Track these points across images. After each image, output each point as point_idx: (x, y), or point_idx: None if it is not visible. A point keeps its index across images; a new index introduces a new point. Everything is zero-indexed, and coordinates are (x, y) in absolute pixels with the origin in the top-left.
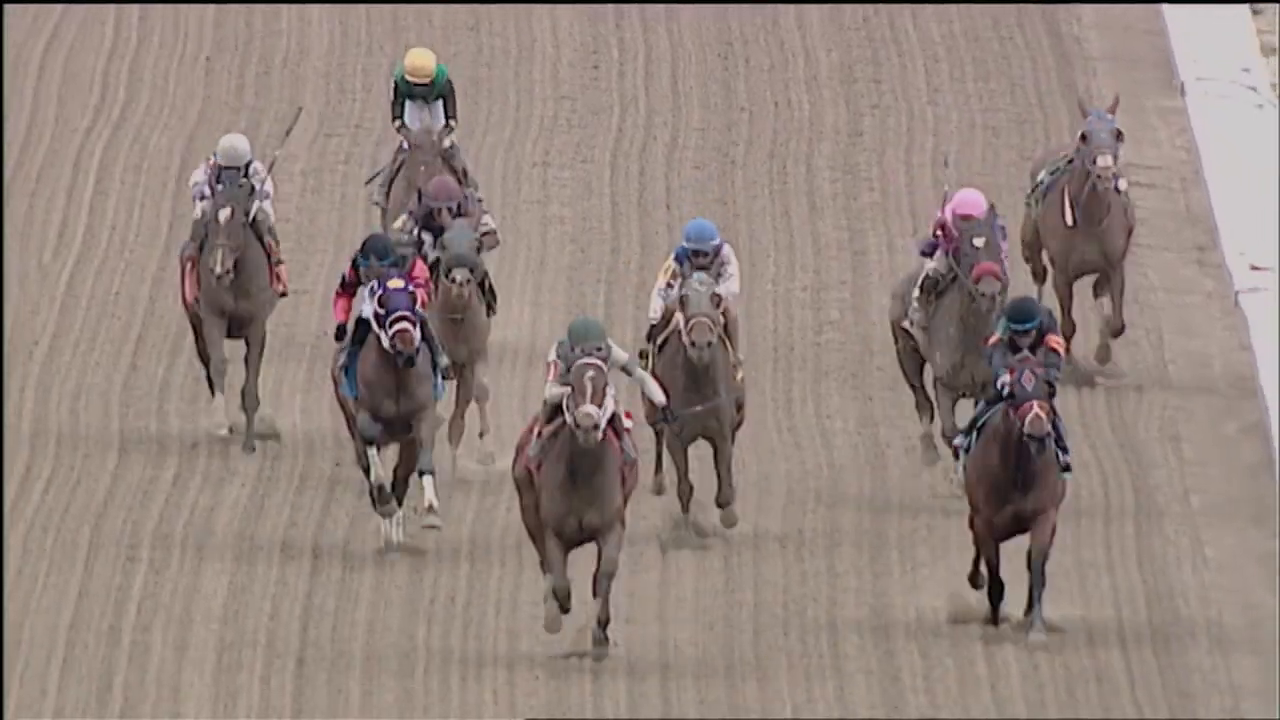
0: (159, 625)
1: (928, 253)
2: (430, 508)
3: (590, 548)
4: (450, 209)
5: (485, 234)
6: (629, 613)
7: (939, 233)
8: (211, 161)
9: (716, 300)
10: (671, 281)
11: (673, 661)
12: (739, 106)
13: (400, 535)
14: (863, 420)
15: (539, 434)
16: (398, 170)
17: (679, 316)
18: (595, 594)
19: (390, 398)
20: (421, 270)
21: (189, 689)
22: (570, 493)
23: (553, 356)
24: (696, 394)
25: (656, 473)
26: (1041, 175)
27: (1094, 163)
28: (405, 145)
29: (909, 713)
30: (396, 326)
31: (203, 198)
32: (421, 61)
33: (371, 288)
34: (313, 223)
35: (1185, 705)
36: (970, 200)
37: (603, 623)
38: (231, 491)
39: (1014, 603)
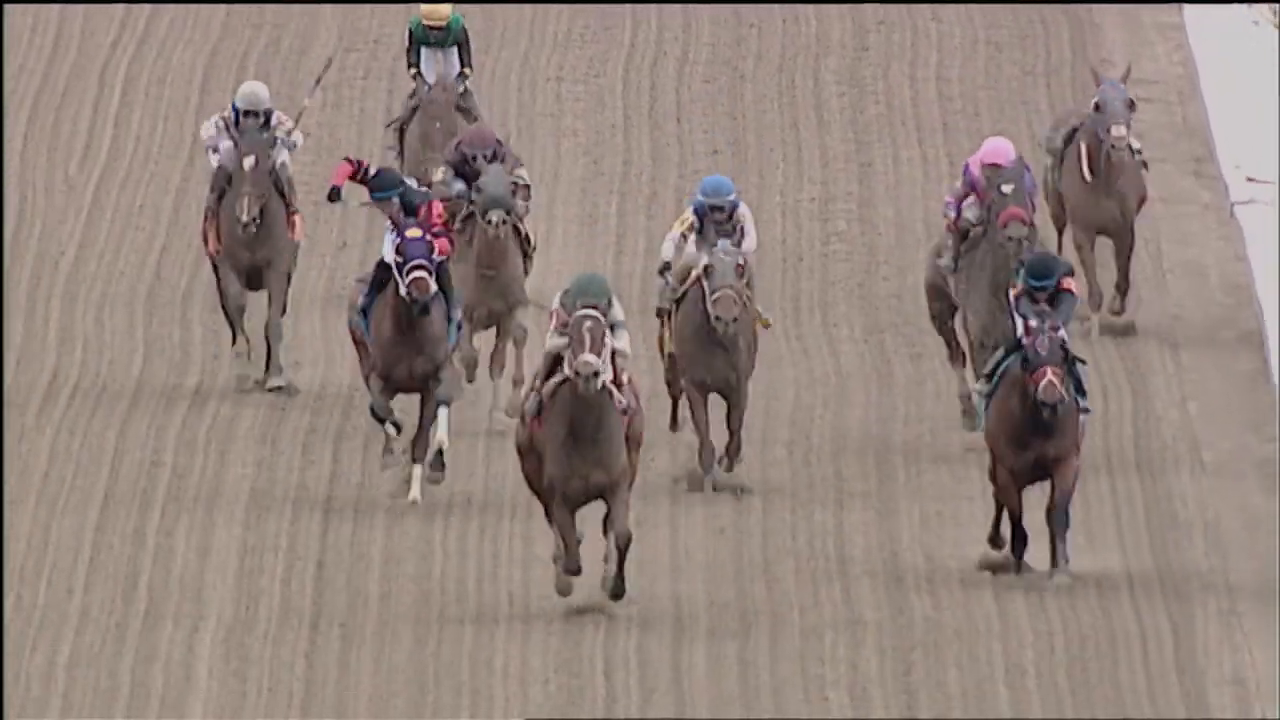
0: (182, 529)
1: (954, 212)
2: (439, 452)
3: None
4: (485, 155)
5: (523, 186)
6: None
7: (971, 188)
8: (226, 113)
9: (741, 271)
10: (686, 233)
11: (683, 565)
12: (748, 23)
13: (418, 493)
14: (868, 328)
15: (538, 390)
16: (411, 118)
17: (704, 282)
18: (606, 559)
19: (404, 360)
20: (438, 210)
21: (211, 590)
22: (573, 451)
23: (555, 304)
24: (713, 353)
25: (672, 427)
26: (1058, 138)
27: (1108, 132)
28: (420, 94)
29: (912, 612)
30: (413, 275)
31: (215, 150)
32: (436, 8)
33: (391, 237)
34: (332, 136)
35: (1183, 607)
36: (999, 149)
37: (616, 595)
38: (253, 396)
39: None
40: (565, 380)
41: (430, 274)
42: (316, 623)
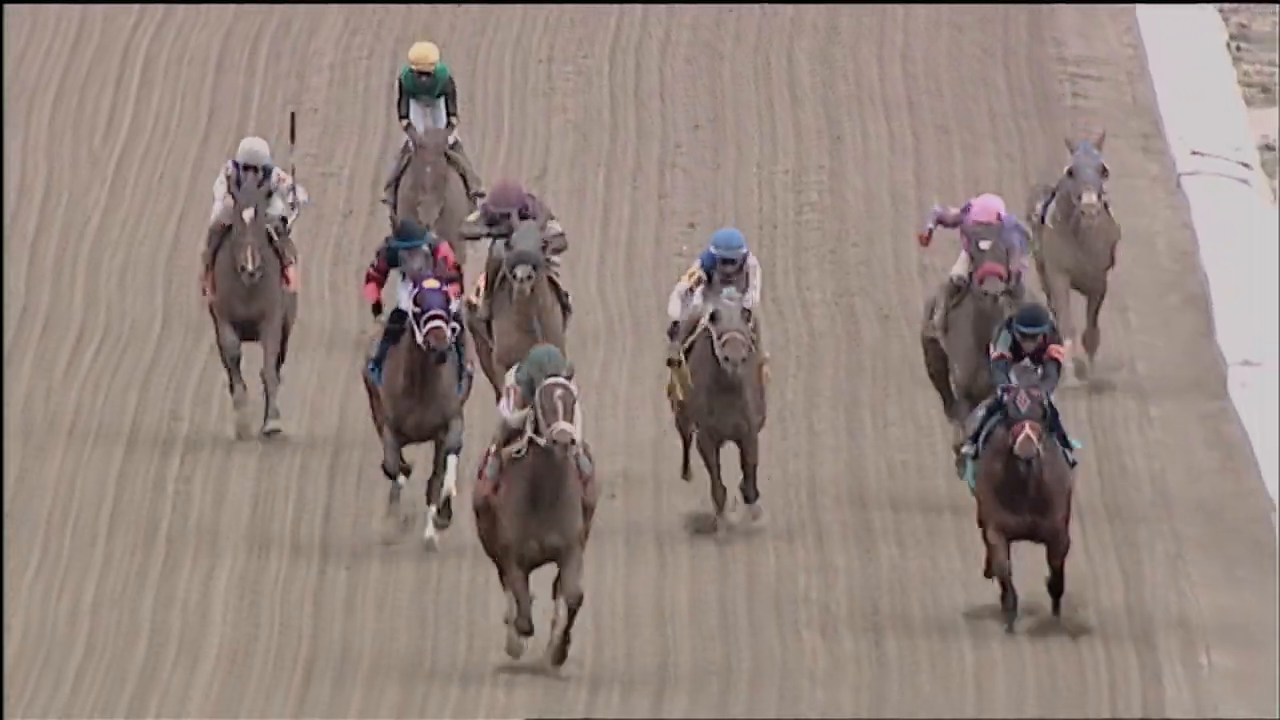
0: (199, 476)
1: (940, 222)
2: (446, 500)
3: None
4: (516, 213)
5: (554, 236)
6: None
7: (963, 239)
8: (229, 169)
9: (747, 315)
10: (694, 286)
11: (666, 529)
12: (727, 7)
13: (433, 532)
14: (839, 291)
15: (496, 455)
16: (404, 169)
17: (711, 329)
18: (554, 623)
19: (415, 412)
20: (447, 252)
21: (226, 534)
22: (531, 515)
23: (511, 381)
24: (723, 398)
25: (684, 475)
26: (1037, 205)
27: (1079, 199)
28: (411, 144)
29: (880, 558)
30: (431, 324)
31: (224, 208)
32: (424, 52)
33: (408, 288)
34: (339, 112)
35: (1132, 553)
36: (989, 207)
37: (560, 660)
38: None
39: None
40: (527, 445)
41: (447, 324)
42: (324, 566)
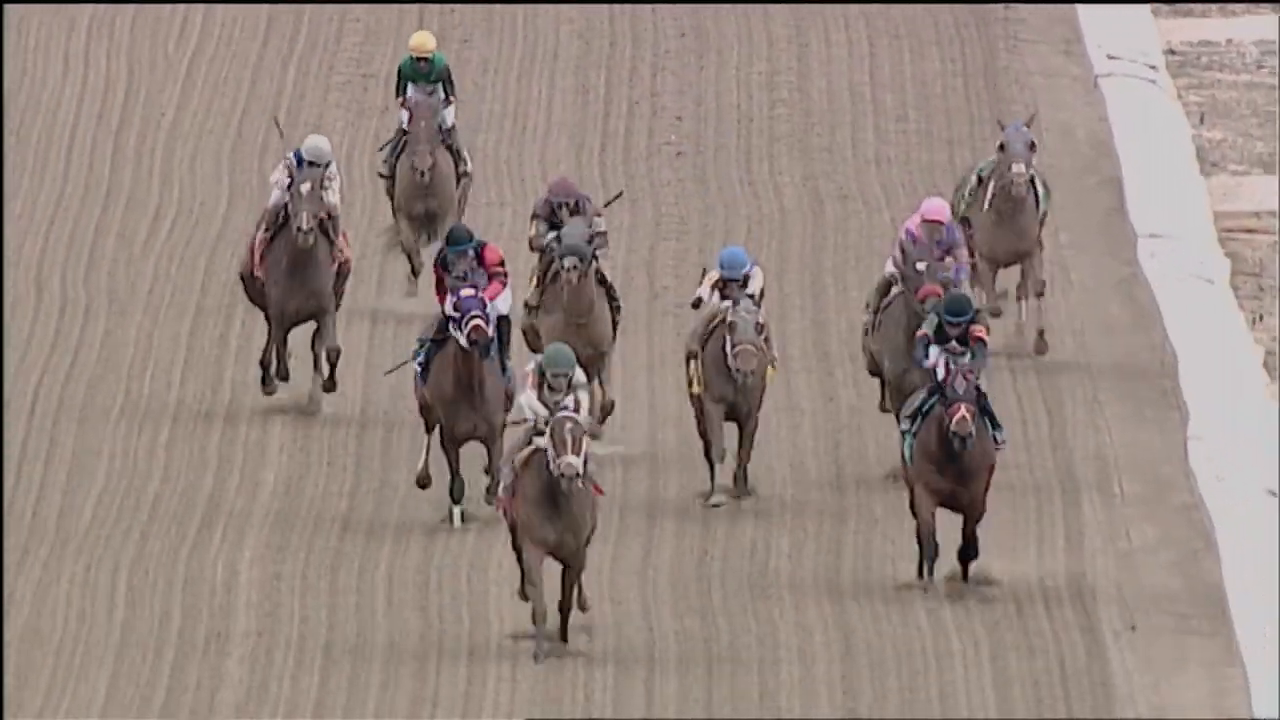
0: (258, 339)
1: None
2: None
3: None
4: (570, 205)
5: (596, 234)
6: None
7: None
8: (288, 161)
9: (760, 328)
10: (714, 286)
11: (661, 452)
12: None
13: (459, 522)
14: (805, 175)
15: (513, 465)
16: (401, 149)
17: (727, 336)
18: (562, 609)
19: (466, 417)
20: (493, 254)
21: (272, 456)
22: (547, 507)
23: (531, 367)
24: (730, 388)
25: (708, 455)
26: (971, 177)
27: (1009, 169)
28: (408, 124)
29: (839, 400)
30: (472, 322)
31: (279, 188)
32: (423, 40)
33: (450, 298)
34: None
35: (1055, 396)
36: (936, 208)
37: (567, 610)
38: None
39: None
40: (536, 451)
41: (486, 322)
42: (346, 526)
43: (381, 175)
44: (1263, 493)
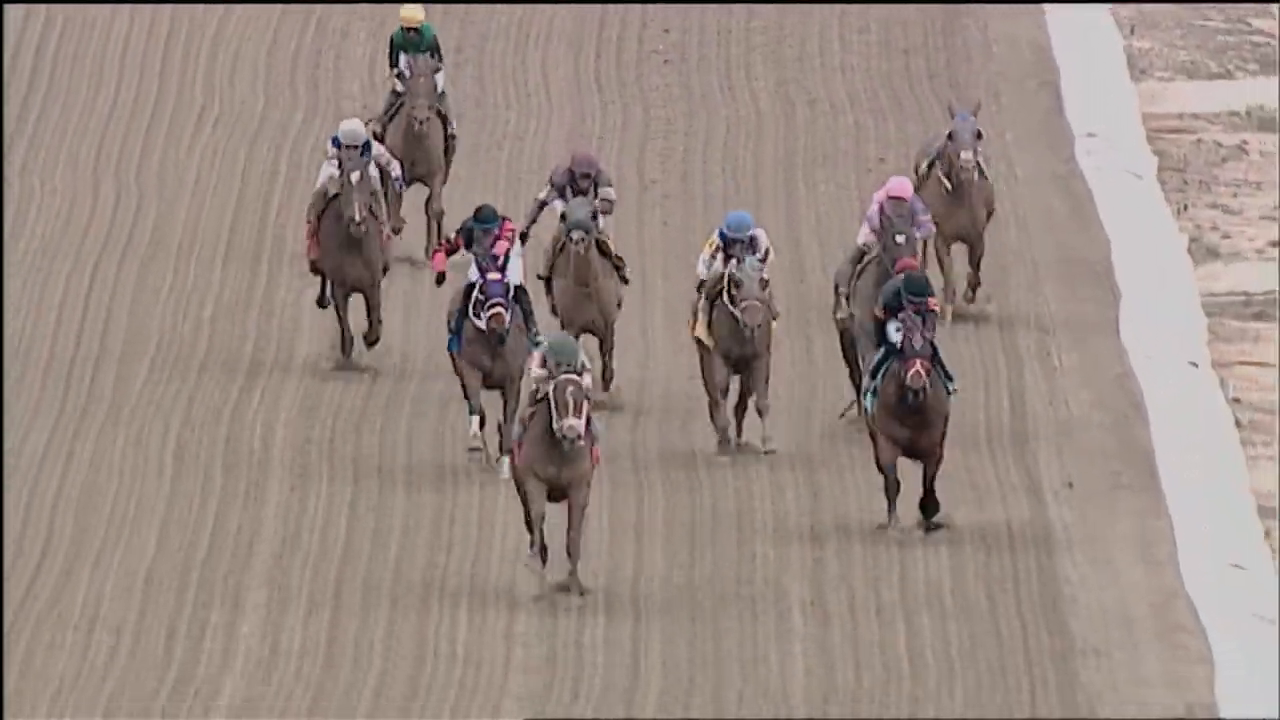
0: (297, 213)
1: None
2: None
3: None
4: (590, 174)
5: (603, 200)
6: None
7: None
8: (330, 148)
9: (764, 284)
10: (714, 254)
11: (641, 456)
12: None
13: (477, 430)
14: (780, 80)
15: (522, 420)
16: (397, 111)
17: (733, 291)
18: (569, 553)
19: (488, 356)
20: (509, 233)
21: (304, 328)
22: (548, 448)
23: (536, 356)
24: (740, 340)
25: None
26: (922, 163)
27: (958, 156)
28: (401, 90)
29: (817, 357)
30: (492, 310)
31: (329, 176)
32: (412, 12)
33: (476, 275)
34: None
35: (1000, 275)
36: (901, 185)
37: (574, 549)
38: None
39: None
40: (542, 400)
41: (507, 310)
42: (358, 475)
43: (375, 136)
44: (1185, 364)
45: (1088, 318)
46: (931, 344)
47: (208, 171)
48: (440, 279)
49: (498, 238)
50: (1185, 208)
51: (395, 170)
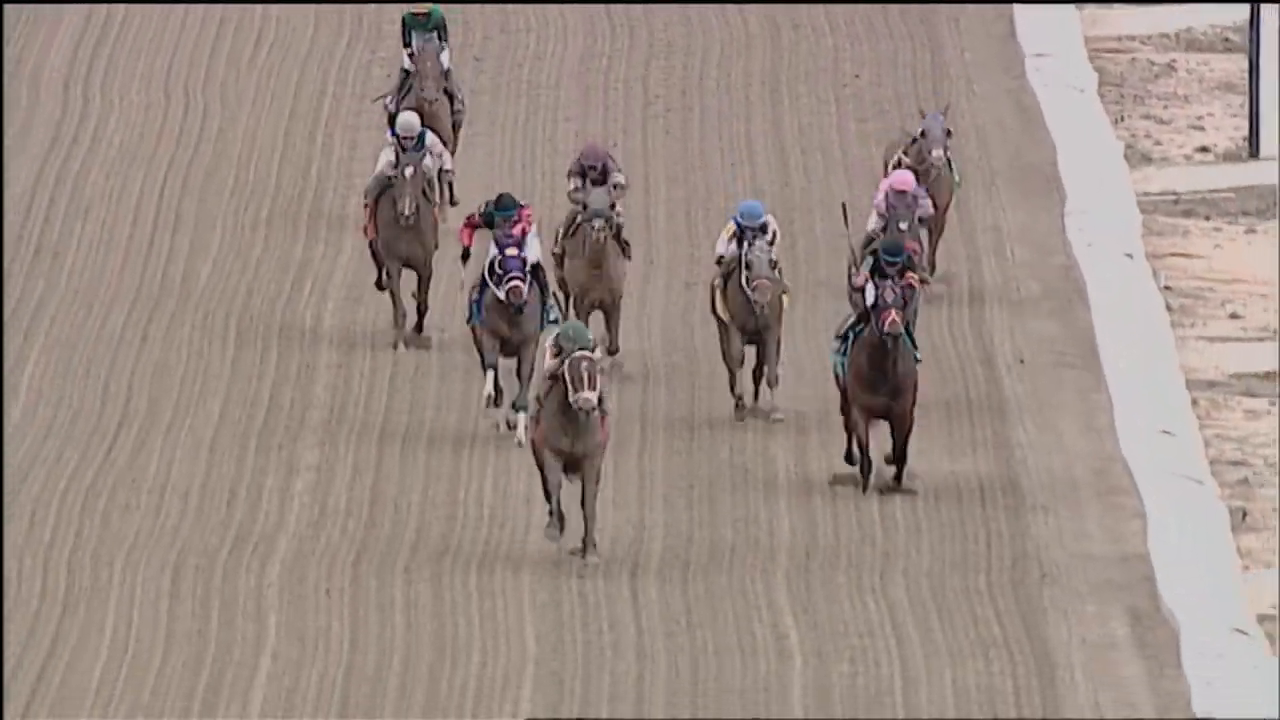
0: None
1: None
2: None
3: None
4: (599, 166)
5: (616, 185)
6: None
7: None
8: (390, 139)
9: (773, 264)
10: (731, 238)
11: (649, 417)
12: None
13: (492, 391)
14: (768, 8)
15: (538, 400)
16: (408, 90)
17: (746, 274)
18: (585, 529)
19: (506, 325)
20: (527, 217)
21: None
22: (564, 423)
23: (549, 344)
24: (751, 318)
25: (733, 392)
26: (893, 159)
27: (930, 154)
28: (410, 69)
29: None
30: (510, 284)
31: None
32: (421, 4)
33: (495, 252)
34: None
35: (963, 193)
36: (904, 179)
37: (586, 543)
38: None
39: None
40: (557, 380)
41: (524, 283)
42: (382, 434)
43: (387, 108)
44: (1122, 256)
45: (1037, 216)
46: (904, 297)
47: (264, 88)
48: (466, 254)
49: (516, 222)
50: (1122, 118)
51: (446, 161)
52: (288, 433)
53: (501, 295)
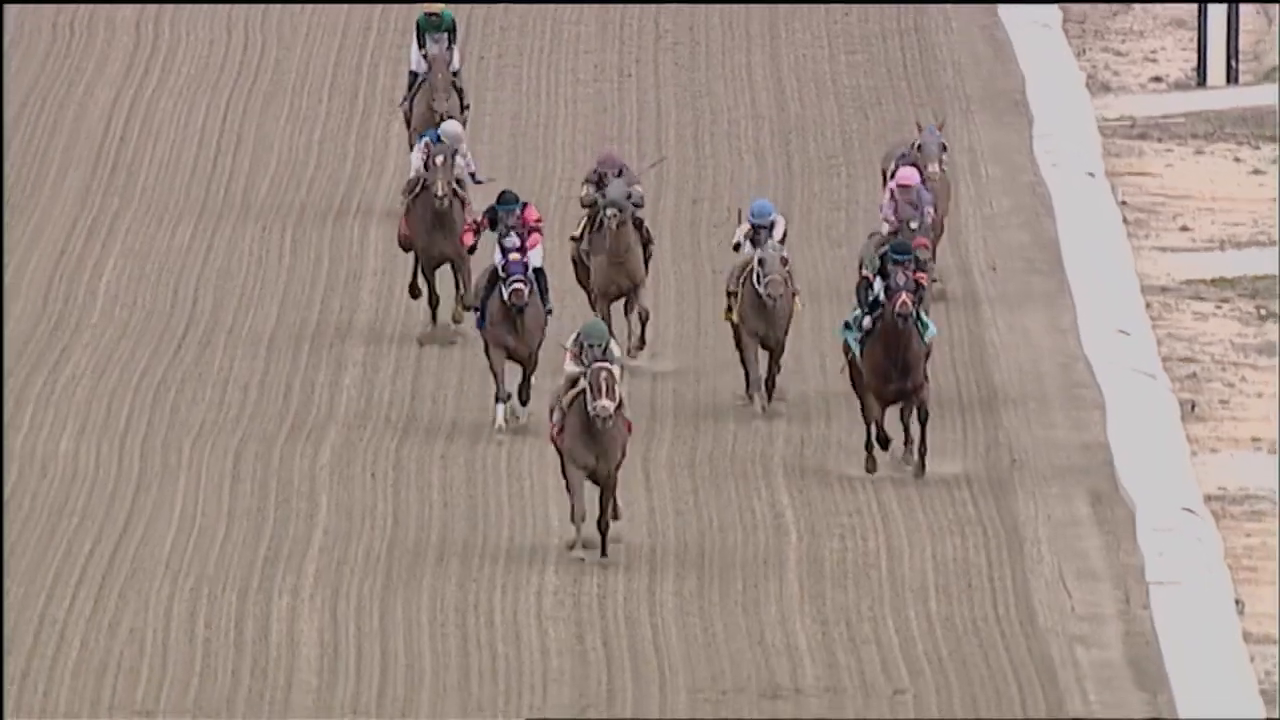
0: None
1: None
2: (525, 397)
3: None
4: (614, 172)
5: (638, 195)
6: None
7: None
8: (425, 143)
9: (784, 261)
10: (746, 236)
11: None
12: None
13: (502, 423)
14: None
15: (560, 406)
16: (419, 91)
17: (757, 269)
18: (601, 526)
19: (510, 335)
20: (532, 213)
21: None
22: (587, 439)
23: (569, 344)
24: (766, 318)
25: (747, 391)
26: (891, 167)
27: (926, 167)
28: (420, 71)
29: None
30: (513, 286)
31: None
32: (434, 5)
33: (500, 258)
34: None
35: (939, 107)
36: (909, 175)
37: (605, 527)
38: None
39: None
40: (581, 393)
41: (525, 285)
42: (406, 429)
43: (403, 110)
44: (1083, 174)
45: (1008, 138)
46: (917, 284)
47: (315, 24)
48: (471, 250)
49: (523, 219)
50: (1084, 51)
51: (474, 167)
52: (337, 333)
53: (506, 294)
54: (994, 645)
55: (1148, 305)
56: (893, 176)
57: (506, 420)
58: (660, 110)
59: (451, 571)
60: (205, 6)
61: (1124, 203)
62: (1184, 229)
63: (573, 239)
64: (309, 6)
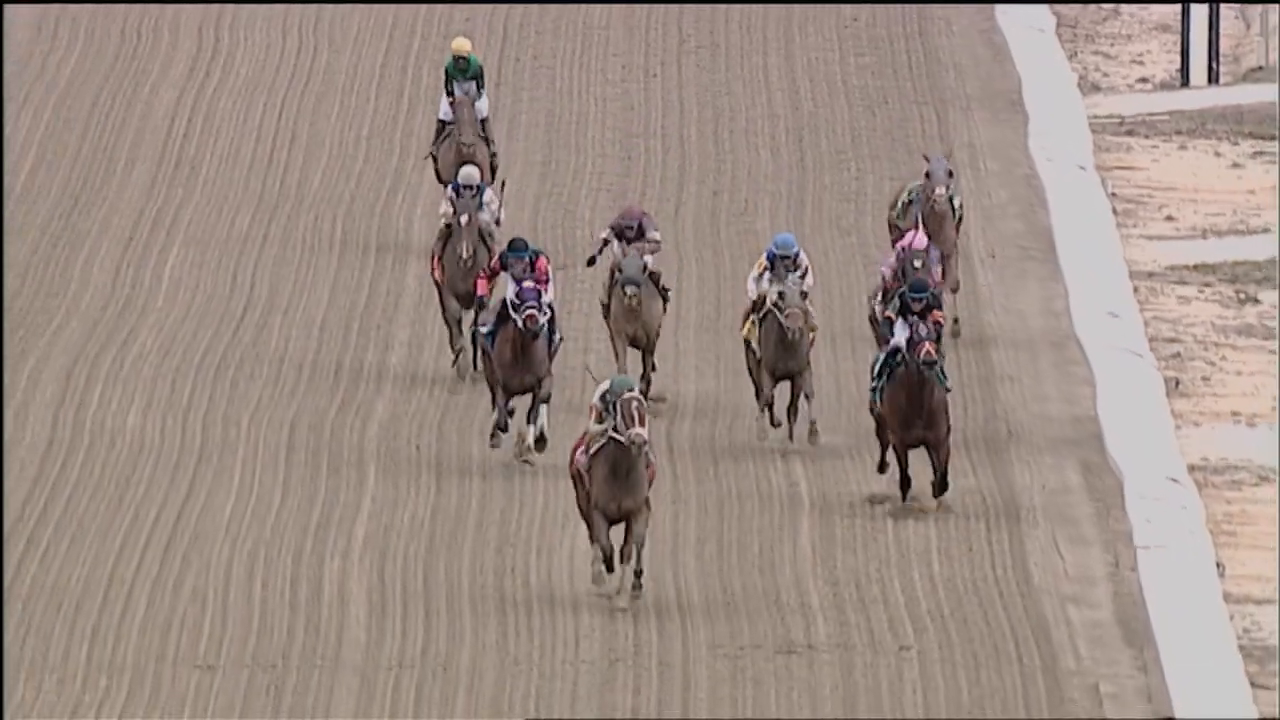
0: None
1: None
2: (536, 441)
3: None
4: (635, 226)
5: (651, 242)
6: None
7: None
8: (450, 191)
9: (804, 295)
10: (761, 274)
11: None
12: None
13: (511, 452)
14: None
15: (587, 449)
16: (446, 137)
17: (777, 302)
18: (624, 559)
19: (518, 374)
20: (544, 267)
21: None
22: (613, 484)
23: (596, 400)
24: (785, 353)
25: (773, 422)
26: (904, 196)
27: (933, 192)
28: (448, 119)
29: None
30: (527, 311)
31: (447, 215)
32: (461, 44)
33: (513, 286)
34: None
35: (933, 83)
36: (919, 240)
37: (638, 573)
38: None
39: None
40: (608, 441)
41: (539, 311)
42: (448, 404)
43: (431, 155)
44: (1075, 168)
45: (1005, 135)
46: (939, 333)
47: (364, 28)
48: (482, 304)
49: (533, 265)
50: (1076, 54)
51: (499, 213)
52: (384, 315)
53: (520, 321)
54: (992, 604)
55: (1135, 289)
56: (901, 218)
57: (519, 453)
58: (683, 108)
59: (490, 536)
60: (262, 10)
61: (1113, 194)
62: (1169, 219)
63: (602, 303)
64: (358, 9)
